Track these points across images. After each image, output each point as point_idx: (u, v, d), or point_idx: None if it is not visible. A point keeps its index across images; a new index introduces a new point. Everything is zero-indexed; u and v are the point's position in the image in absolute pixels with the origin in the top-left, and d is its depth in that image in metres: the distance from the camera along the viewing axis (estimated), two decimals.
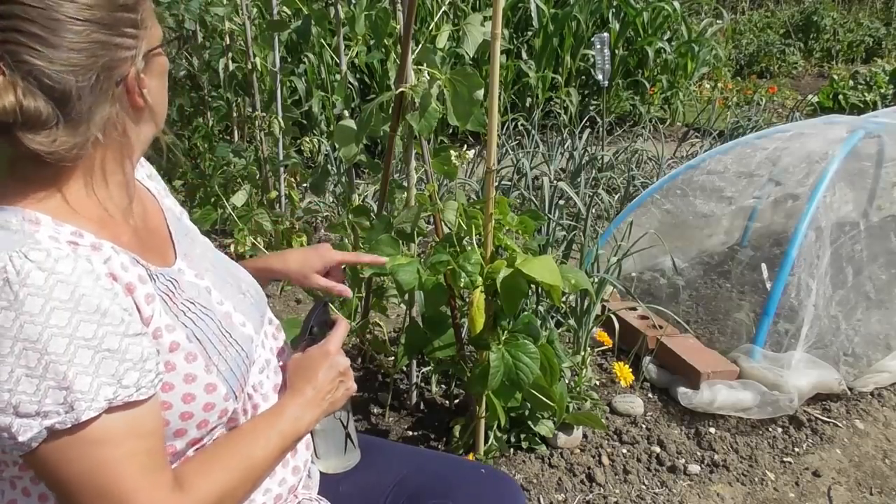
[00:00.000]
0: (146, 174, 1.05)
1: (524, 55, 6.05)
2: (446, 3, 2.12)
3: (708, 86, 6.96)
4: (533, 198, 3.28)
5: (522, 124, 4.82)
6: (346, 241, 1.93)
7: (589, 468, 1.92)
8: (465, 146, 1.67)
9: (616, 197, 3.83)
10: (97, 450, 0.71)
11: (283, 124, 2.94)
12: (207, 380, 0.83)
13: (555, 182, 3.17)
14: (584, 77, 6.36)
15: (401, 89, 1.56)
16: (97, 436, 0.71)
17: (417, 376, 2.16)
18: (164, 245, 0.94)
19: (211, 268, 0.97)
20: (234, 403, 0.87)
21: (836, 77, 6.93)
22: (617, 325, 2.38)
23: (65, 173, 0.78)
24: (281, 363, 1.03)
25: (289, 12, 2.93)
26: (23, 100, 0.69)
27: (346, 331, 1.04)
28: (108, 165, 0.82)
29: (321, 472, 1.09)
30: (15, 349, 0.68)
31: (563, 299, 2.34)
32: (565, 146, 4.49)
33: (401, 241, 1.59)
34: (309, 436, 1.06)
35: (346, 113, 2.15)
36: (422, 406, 2.16)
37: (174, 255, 0.94)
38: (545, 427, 1.94)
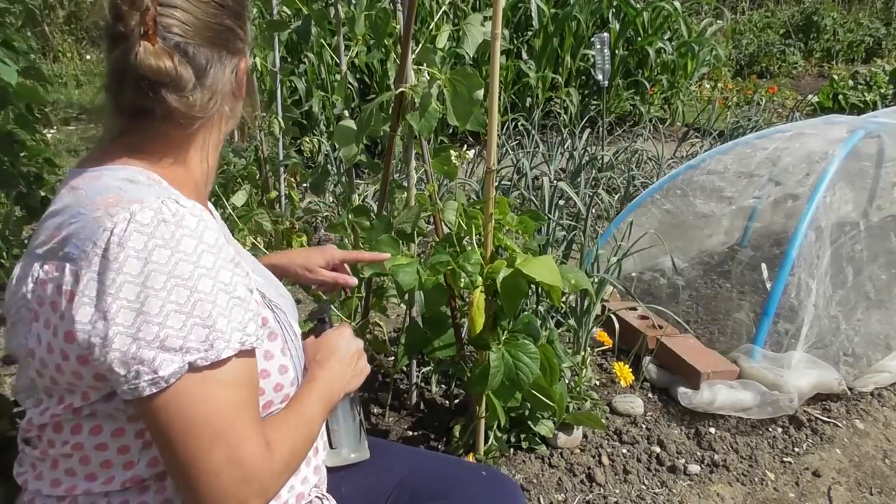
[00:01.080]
0: None
1: (524, 55, 6.05)
2: (446, 3, 2.12)
3: (708, 86, 6.96)
4: (533, 198, 3.28)
5: (522, 124, 4.82)
6: (346, 241, 1.93)
7: (589, 468, 1.92)
8: (465, 146, 1.67)
9: (616, 197, 3.83)
10: (224, 391, 0.73)
11: (283, 124, 2.94)
12: (282, 361, 0.87)
13: (555, 182, 3.17)
14: (584, 77, 6.37)
15: (401, 89, 1.56)
16: (226, 377, 0.74)
17: (417, 376, 2.16)
18: None
19: (256, 268, 1.01)
20: (294, 390, 0.91)
21: (836, 77, 6.93)
22: (617, 325, 2.38)
23: (185, 142, 0.86)
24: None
25: (289, 12, 2.93)
26: (178, 66, 0.79)
27: (350, 328, 1.09)
28: (218, 142, 0.90)
29: (327, 471, 1.09)
30: (168, 284, 0.71)
31: (563, 299, 2.34)
32: (565, 146, 4.49)
33: (401, 241, 1.59)
34: (325, 436, 1.07)
35: (346, 113, 2.15)
36: (422, 406, 2.16)
37: None
38: (545, 427, 1.94)
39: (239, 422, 0.74)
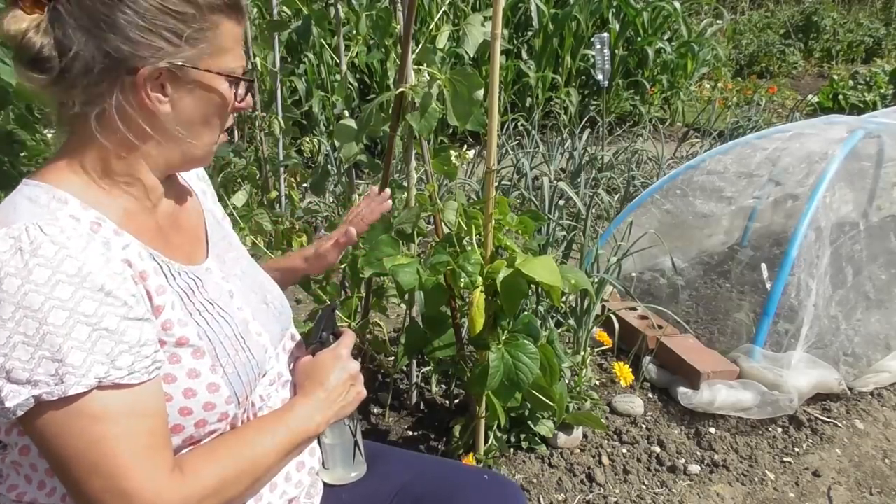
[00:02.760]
0: (197, 174, 1.07)
1: (524, 55, 6.05)
2: (446, 3, 2.12)
3: (708, 86, 6.96)
4: (533, 198, 3.28)
5: (522, 124, 4.82)
6: None
7: (589, 468, 1.92)
8: (465, 146, 1.67)
9: (616, 197, 3.83)
10: (94, 425, 0.71)
11: (283, 124, 2.94)
12: (211, 379, 0.83)
13: (555, 182, 3.17)
14: (584, 77, 6.37)
15: (401, 89, 1.56)
16: (94, 411, 0.71)
17: (417, 376, 2.16)
18: (196, 244, 0.96)
19: (240, 274, 0.99)
20: (236, 409, 0.87)
21: (836, 77, 6.93)
22: (617, 325, 2.38)
23: (90, 153, 0.82)
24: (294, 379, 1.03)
25: (289, 12, 2.93)
26: (33, 35, 0.76)
27: (353, 339, 1.05)
28: (111, 160, 0.83)
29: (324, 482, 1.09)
30: (16, 315, 0.69)
31: (563, 299, 2.34)
32: (565, 146, 4.49)
33: (401, 241, 1.59)
34: (317, 445, 1.06)
35: (346, 113, 2.15)
36: (422, 406, 2.16)
37: (206, 254, 0.96)
38: (545, 427, 1.94)
39: (119, 455, 0.71)
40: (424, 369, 2.23)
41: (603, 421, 2.04)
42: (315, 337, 1.04)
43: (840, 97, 6.51)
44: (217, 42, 0.83)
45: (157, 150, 0.85)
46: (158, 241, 0.86)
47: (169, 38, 0.79)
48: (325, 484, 1.08)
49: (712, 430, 2.10)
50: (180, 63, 0.80)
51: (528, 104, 5.94)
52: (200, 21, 0.80)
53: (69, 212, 0.77)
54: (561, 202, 3.16)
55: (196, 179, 1.07)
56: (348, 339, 1.04)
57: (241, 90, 0.89)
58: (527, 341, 1.49)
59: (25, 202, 0.77)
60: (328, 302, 1.89)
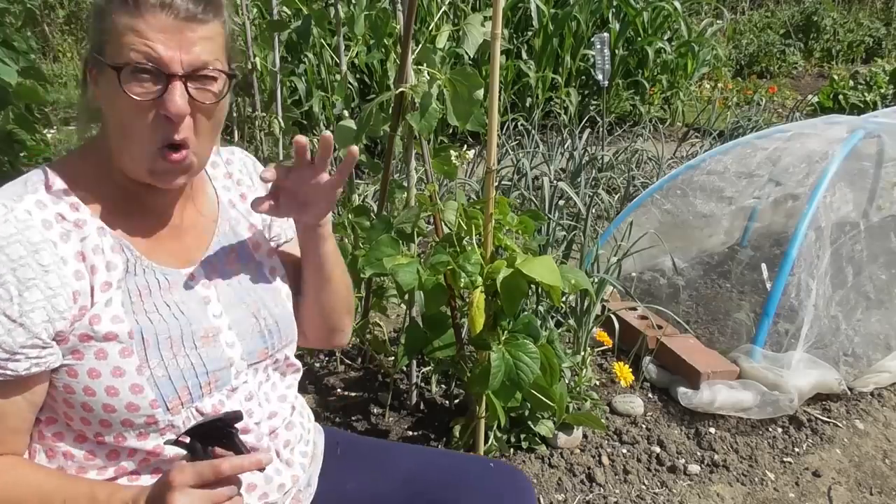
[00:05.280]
0: (246, 177, 1.06)
1: (524, 55, 6.05)
2: (446, 3, 2.12)
3: (708, 86, 6.96)
4: (533, 198, 3.28)
5: (522, 124, 4.82)
6: (346, 241, 1.93)
7: (589, 468, 1.92)
8: (465, 146, 1.67)
9: (616, 197, 3.83)
10: None
11: (283, 124, 2.94)
12: (136, 380, 0.81)
13: (555, 182, 3.17)
14: (584, 77, 6.36)
15: (401, 89, 1.56)
16: None
17: (417, 376, 2.16)
18: (190, 250, 0.93)
19: (235, 284, 0.95)
20: (166, 414, 0.83)
21: (836, 77, 6.93)
22: (617, 325, 2.38)
23: (88, 142, 0.89)
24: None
25: (289, 12, 2.93)
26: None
27: (233, 469, 0.73)
28: (96, 152, 0.87)
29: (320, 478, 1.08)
30: None
31: (563, 299, 2.34)
32: (565, 146, 4.49)
33: (401, 241, 1.59)
34: (300, 463, 1.01)
35: (346, 113, 2.15)
36: (422, 406, 2.16)
37: (197, 261, 0.93)
38: (545, 427, 1.95)
39: None
40: (424, 369, 2.23)
41: (603, 421, 2.04)
42: (189, 435, 0.77)
43: (840, 97, 6.51)
44: (111, 33, 0.79)
45: (109, 145, 0.85)
46: (138, 238, 0.87)
47: (87, 29, 0.85)
48: (324, 478, 1.08)
49: (712, 430, 2.10)
50: (89, 51, 0.83)
51: (528, 104, 5.94)
52: (96, 11, 0.82)
53: (38, 196, 0.80)
54: (561, 202, 3.15)
55: (234, 187, 1.03)
56: (224, 467, 0.72)
57: (132, 82, 0.77)
58: (527, 341, 1.49)
59: (20, 181, 0.82)
60: None
